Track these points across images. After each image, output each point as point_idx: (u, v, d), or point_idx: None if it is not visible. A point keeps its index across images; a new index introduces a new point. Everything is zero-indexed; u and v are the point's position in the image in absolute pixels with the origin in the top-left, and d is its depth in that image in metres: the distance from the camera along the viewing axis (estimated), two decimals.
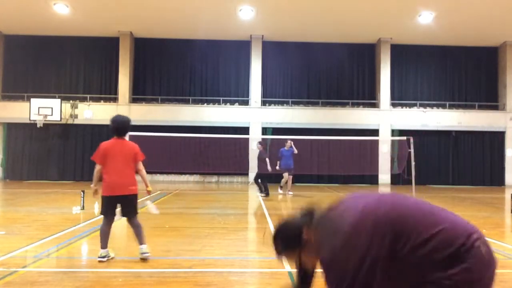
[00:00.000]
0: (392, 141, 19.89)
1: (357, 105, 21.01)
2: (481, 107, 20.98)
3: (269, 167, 13.08)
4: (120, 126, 5.09)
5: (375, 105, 20.86)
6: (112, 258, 5.02)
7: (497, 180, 20.48)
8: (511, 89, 20.71)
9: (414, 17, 17.89)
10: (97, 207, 9.24)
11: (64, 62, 20.59)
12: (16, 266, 4.77)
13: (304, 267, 2.16)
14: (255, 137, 18.26)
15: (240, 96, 20.86)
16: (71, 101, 19.71)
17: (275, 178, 16.21)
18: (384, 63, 20.61)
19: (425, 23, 18.25)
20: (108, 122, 5.23)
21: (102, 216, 5.15)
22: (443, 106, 20.97)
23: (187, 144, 19.23)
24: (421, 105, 20.92)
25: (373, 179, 20.26)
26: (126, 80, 20.22)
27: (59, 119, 18.95)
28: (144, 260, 4.99)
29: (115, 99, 20.31)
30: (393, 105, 20.83)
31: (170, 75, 20.92)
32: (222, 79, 20.95)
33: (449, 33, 19.34)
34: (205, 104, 20.53)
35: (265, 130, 20.01)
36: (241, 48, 20.74)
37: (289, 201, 12.42)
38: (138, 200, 5.29)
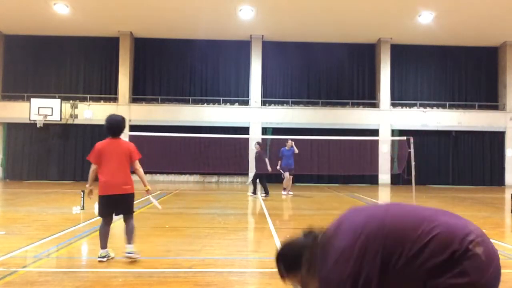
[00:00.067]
0: (392, 141, 19.89)
1: (357, 105, 21.01)
2: (481, 107, 20.98)
3: (269, 167, 13.07)
4: (114, 125, 5.07)
5: (375, 105, 20.86)
6: (112, 258, 5.02)
7: (497, 180, 20.49)
8: (511, 89, 20.71)
9: (414, 17, 17.89)
10: (97, 207, 9.23)
11: (64, 62, 20.60)
12: (16, 266, 4.77)
13: None
14: (255, 137, 18.24)
15: (240, 96, 20.86)
16: (71, 101, 19.71)
17: (275, 178, 16.24)
18: (384, 63, 20.61)
19: (425, 23, 18.25)
20: None
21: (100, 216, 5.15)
22: (443, 106, 20.97)
23: (187, 144, 19.22)
24: (421, 105, 20.92)
25: (373, 179, 20.27)
26: (126, 80, 20.22)
27: (59, 119, 18.95)
28: (130, 259, 4.95)
29: (115, 99, 20.31)
30: (393, 105, 20.83)
31: (170, 75, 20.92)
32: (222, 79, 20.95)
33: (449, 33, 19.34)
34: (205, 104, 20.53)
35: (265, 130, 20.02)
36: (241, 48, 20.74)
37: (289, 201, 12.42)
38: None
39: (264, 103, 20.53)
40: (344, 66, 21.17)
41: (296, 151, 13.64)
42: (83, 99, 20.01)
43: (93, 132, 19.36)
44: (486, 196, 15.02)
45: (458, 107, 20.98)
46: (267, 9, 17.55)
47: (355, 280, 1.77)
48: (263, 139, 18.86)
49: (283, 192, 13.81)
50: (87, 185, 5.20)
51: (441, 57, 21.24)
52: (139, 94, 20.70)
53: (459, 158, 20.75)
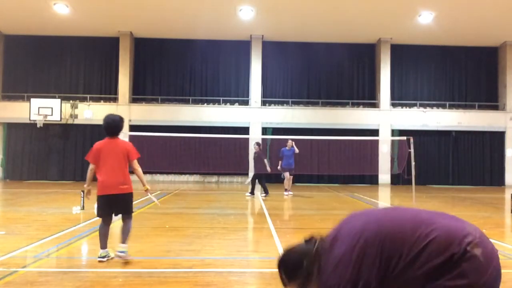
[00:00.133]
0: (392, 141, 19.89)
1: (357, 105, 21.01)
2: (481, 107, 20.98)
3: (268, 168, 13.13)
4: (111, 125, 5.06)
5: (375, 105, 20.86)
6: (112, 258, 5.01)
7: (497, 180, 20.49)
8: (511, 89, 20.71)
9: (414, 17, 17.89)
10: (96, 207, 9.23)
11: (64, 62, 20.60)
12: (16, 266, 4.77)
13: None
14: (255, 137, 18.26)
15: (240, 96, 20.87)
16: (71, 101, 19.72)
17: (275, 178, 16.26)
18: (384, 63, 20.61)
19: (425, 23, 18.24)
20: None
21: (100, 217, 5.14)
22: (443, 106, 20.97)
23: (187, 144, 19.24)
24: (421, 105, 20.92)
25: (373, 179, 20.27)
26: (126, 80, 20.22)
27: (59, 119, 18.95)
28: (121, 259, 4.91)
29: (115, 99, 20.31)
30: (393, 105, 20.83)
31: (170, 75, 20.92)
32: (222, 79, 20.95)
33: (449, 33, 19.34)
34: (205, 104, 20.53)
35: (265, 130, 20.02)
36: (241, 48, 20.74)
37: (289, 201, 12.42)
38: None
39: (264, 103, 20.53)
40: (344, 66, 21.17)
41: (297, 150, 13.64)
42: (83, 99, 20.01)
43: (93, 132, 19.35)
44: (486, 196, 15.02)
45: (458, 107, 20.98)
46: (267, 9, 17.55)
47: (355, 285, 1.78)
48: (263, 139, 18.90)
49: (285, 193, 13.76)
50: (85, 185, 5.20)
51: (441, 57, 21.23)
52: (139, 94, 20.70)
53: (459, 158, 20.75)
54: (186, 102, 20.57)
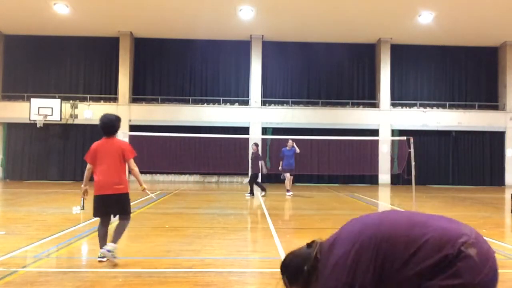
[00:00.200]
0: (392, 141, 19.89)
1: (357, 105, 21.01)
2: (481, 107, 20.98)
3: (264, 170, 13.34)
4: (107, 125, 5.05)
5: (375, 105, 20.86)
6: (115, 258, 5.00)
7: (497, 180, 20.49)
8: (511, 89, 20.71)
9: (414, 17, 17.89)
10: None
11: (64, 62, 20.60)
12: (16, 266, 4.77)
13: None
14: (255, 137, 18.27)
15: (240, 96, 20.87)
16: (71, 101, 19.72)
17: (275, 178, 16.26)
18: (384, 63, 20.61)
19: (425, 23, 18.24)
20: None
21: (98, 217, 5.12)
22: (443, 106, 20.97)
23: (187, 144, 19.25)
24: (421, 105, 20.92)
25: (373, 179, 20.28)
26: (126, 80, 20.22)
27: (59, 119, 18.95)
28: (107, 258, 4.79)
29: (115, 99, 20.31)
30: (393, 105, 20.83)
31: (170, 75, 20.92)
32: (222, 79, 20.95)
33: (449, 33, 19.34)
34: (205, 104, 20.53)
35: (265, 130, 20.02)
36: (241, 48, 20.74)
37: (289, 201, 12.42)
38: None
39: (264, 103, 20.53)
40: (344, 66, 21.17)
41: (298, 150, 13.63)
42: (83, 99, 20.01)
43: (93, 132, 19.31)
44: (486, 196, 15.02)
45: (458, 107, 20.98)
46: (267, 9, 17.55)
47: (351, 286, 1.83)
48: (263, 139, 18.91)
49: (288, 193, 13.73)
50: (82, 185, 5.20)
51: (441, 57, 21.23)
52: (139, 94, 20.70)
53: (459, 158, 20.75)
54: (186, 102, 20.57)
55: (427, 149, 20.33)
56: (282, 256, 2.18)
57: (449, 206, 11.85)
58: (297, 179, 16.43)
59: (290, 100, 20.72)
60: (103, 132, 5.07)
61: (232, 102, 20.69)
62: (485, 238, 1.90)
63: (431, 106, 20.98)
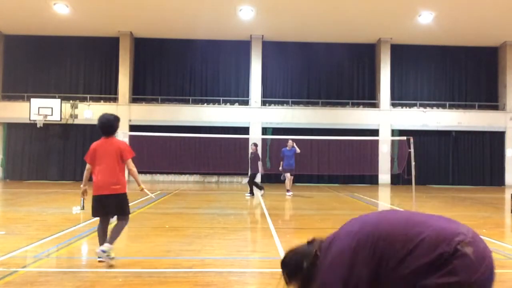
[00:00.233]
0: (392, 141, 19.89)
1: (357, 105, 21.01)
2: (481, 107, 20.98)
3: (261, 170, 13.43)
4: (106, 125, 5.04)
5: (375, 105, 20.86)
6: (112, 258, 5.00)
7: (497, 180, 20.48)
8: (511, 89, 20.71)
9: (414, 17, 17.89)
10: None
11: (64, 62, 20.60)
12: (16, 266, 4.76)
13: None
14: (255, 137, 18.27)
15: (240, 96, 20.87)
16: (71, 101, 19.72)
17: (275, 178, 16.27)
18: (384, 63, 20.61)
19: (425, 23, 18.24)
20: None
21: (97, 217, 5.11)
22: (443, 106, 20.97)
23: (187, 144, 19.25)
24: (421, 105, 20.92)
25: (373, 179, 20.27)
26: (126, 80, 20.22)
27: (59, 119, 18.95)
28: (101, 259, 4.75)
29: (115, 99, 20.31)
30: (393, 105, 20.83)
31: (170, 75, 20.92)
32: (222, 79, 20.95)
33: (449, 33, 19.34)
34: (205, 104, 20.53)
35: (265, 130, 20.02)
36: (241, 48, 20.74)
37: (289, 201, 12.41)
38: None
39: (264, 103, 20.53)
40: (344, 66, 21.17)
41: (298, 150, 13.63)
42: (83, 99, 20.01)
43: (93, 132, 19.31)
44: (486, 196, 15.02)
45: (458, 107, 20.98)
46: (267, 9, 17.55)
47: (346, 283, 1.86)
48: (263, 139, 18.91)
49: (288, 194, 13.72)
50: (81, 185, 5.20)
51: (441, 57, 21.23)
52: (139, 94, 20.70)
53: (459, 158, 20.75)
54: (186, 102, 20.57)
55: (427, 149, 20.33)
56: (282, 256, 2.20)
57: (449, 206, 11.85)
58: (297, 179, 16.43)
59: (290, 100, 20.72)
60: (101, 132, 5.08)
61: (232, 102, 20.69)
62: (484, 238, 1.91)
63: (431, 106, 20.98)
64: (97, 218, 5.12)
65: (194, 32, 19.71)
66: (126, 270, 4.67)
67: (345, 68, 21.21)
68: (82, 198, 9.33)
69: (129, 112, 19.75)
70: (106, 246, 4.77)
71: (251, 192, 13.33)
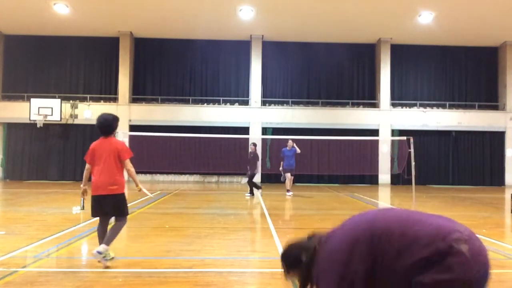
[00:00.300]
0: (392, 141, 19.89)
1: (357, 105, 21.01)
2: (481, 107, 20.98)
3: (257, 169, 13.50)
4: (104, 124, 5.03)
5: (375, 105, 20.86)
6: (112, 258, 5.00)
7: (497, 180, 20.49)
8: (511, 89, 20.71)
9: (414, 17, 17.89)
10: None
11: (64, 62, 20.60)
12: (16, 266, 4.77)
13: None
14: (255, 137, 18.28)
15: (240, 96, 20.86)
16: (71, 101, 19.72)
17: (275, 178, 16.27)
18: (384, 63, 20.61)
19: (425, 23, 18.24)
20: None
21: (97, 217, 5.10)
22: (443, 106, 20.97)
23: (187, 144, 19.24)
24: (421, 105, 20.92)
25: (373, 179, 20.27)
26: (126, 80, 20.22)
27: (59, 119, 18.95)
28: (96, 259, 4.72)
29: (115, 99, 20.31)
30: (393, 105, 20.83)
31: (170, 75, 20.92)
32: (222, 79, 20.95)
33: (449, 33, 19.34)
34: (205, 104, 20.53)
35: (265, 130, 20.02)
36: (241, 48, 20.74)
37: (289, 201, 12.41)
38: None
39: (264, 103, 20.53)
40: (344, 66, 21.17)
41: (298, 150, 13.63)
42: (83, 99, 20.01)
43: (93, 132, 19.30)
44: (486, 196, 15.02)
45: (458, 107, 20.98)
46: (267, 9, 17.55)
47: (343, 278, 1.89)
48: (263, 139, 18.91)
49: (288, 194, 13.72)
50: (81, 185, 5.20)
51: (441, 57, 21.23)
52: (139, 94, 20.70)
53: (459, 158, 20.75)
54: (186, 102, 20.57)
55: (427, 149, 20.33)
56: (283, 248, 2.24)
57: (449, 206, 11.85)
58: (297, 179, 16.43)
59: (290, 100, 20.72)
60: (100, 131, 5.08)
61: (232, 102, 20.69)
62: (484, 238, 1.91)
63: (431, 106, 20.98)
64: (97, 218, 5.12)
65: (194, 32, 19.71)
66: (126, 270, 4.67)
67: (345, 68, 21.21)
68: (82, 198, 9.35)
69: (129, 112, 19.75)
70: (102, 247, 4.74)
71: (251, 192, 13.34)
